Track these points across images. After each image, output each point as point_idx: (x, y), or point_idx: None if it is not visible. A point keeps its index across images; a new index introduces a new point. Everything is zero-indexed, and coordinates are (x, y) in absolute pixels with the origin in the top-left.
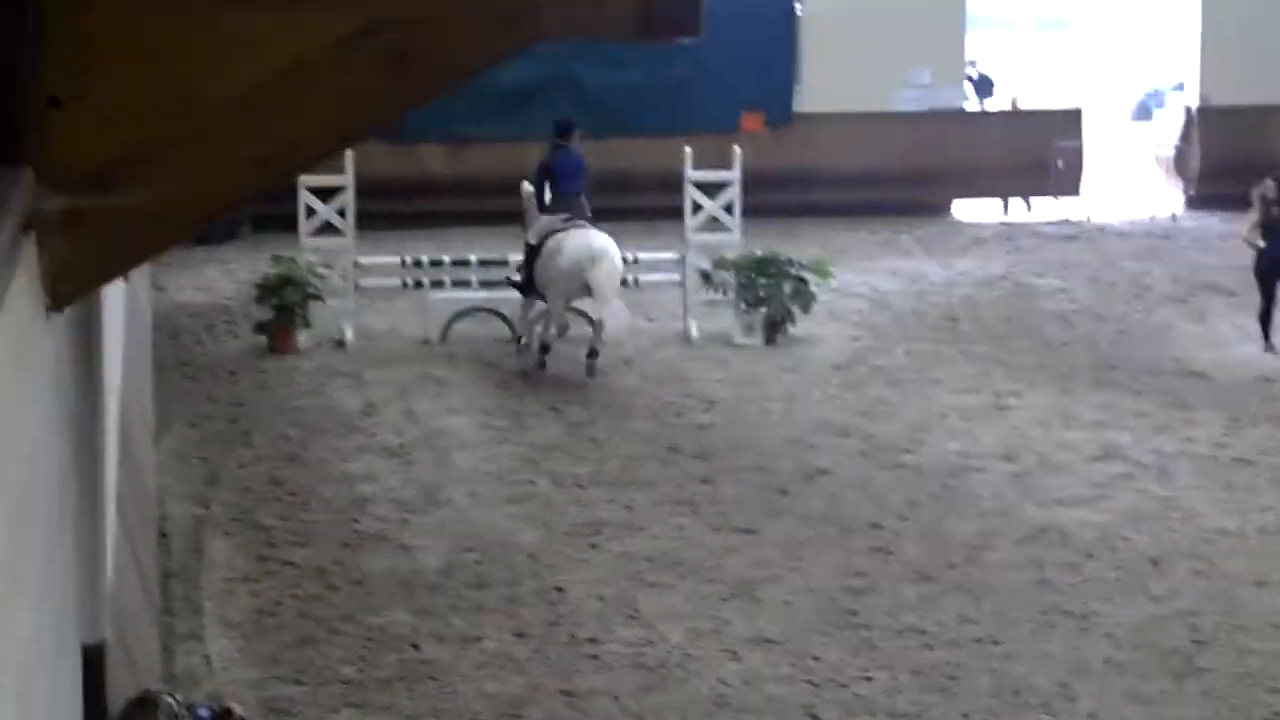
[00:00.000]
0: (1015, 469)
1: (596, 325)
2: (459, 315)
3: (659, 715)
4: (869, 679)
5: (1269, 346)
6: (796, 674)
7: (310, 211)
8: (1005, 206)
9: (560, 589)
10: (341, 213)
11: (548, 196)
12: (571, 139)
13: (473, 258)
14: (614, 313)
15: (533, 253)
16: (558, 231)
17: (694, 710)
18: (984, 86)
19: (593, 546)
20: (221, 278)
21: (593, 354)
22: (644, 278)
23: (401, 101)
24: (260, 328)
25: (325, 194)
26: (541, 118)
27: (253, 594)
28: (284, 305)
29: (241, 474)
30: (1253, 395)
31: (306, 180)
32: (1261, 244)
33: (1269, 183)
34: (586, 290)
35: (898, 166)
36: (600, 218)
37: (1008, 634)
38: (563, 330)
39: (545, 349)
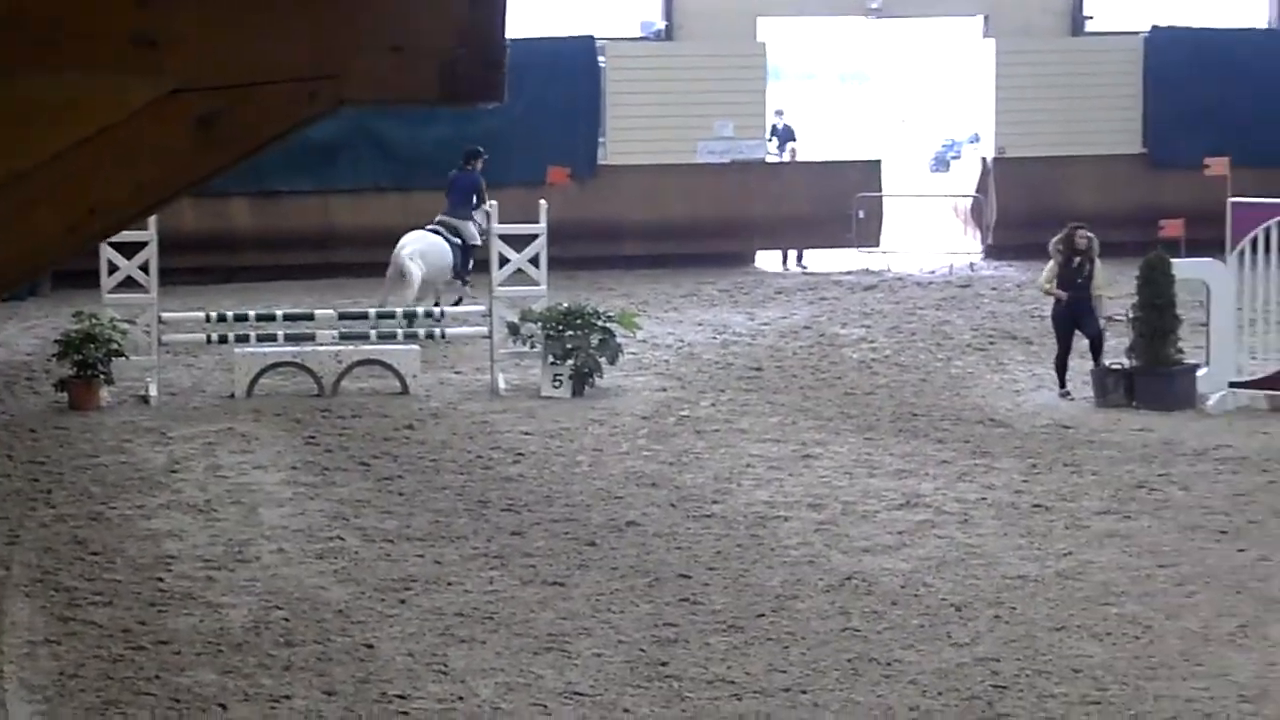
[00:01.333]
0: (821, 517)
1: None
2: (265, 370)
3: None
4: None
5: (1065, 394)
6: None
7: (112, 267)
8: (797, 257)
9: (370, 645)
10: (144, 267)
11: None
12: (472, 164)
13: (279, 312)
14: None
15: None
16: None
17: None
18: (786, 137)
19: (402, 602)
20: (21, 334)
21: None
22: (451, 330)
23: (211, 166)
24: (61, 385)
25: (128, 249)
26: (347, 171)
27: (55, 656)
28: (86, 361)
29: (43, 533)
30: (1050, 442)
31: None
32: (1063, 295)
33: (1079, 235)
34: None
35: (702, 218)
36: None
37: (815, 683)
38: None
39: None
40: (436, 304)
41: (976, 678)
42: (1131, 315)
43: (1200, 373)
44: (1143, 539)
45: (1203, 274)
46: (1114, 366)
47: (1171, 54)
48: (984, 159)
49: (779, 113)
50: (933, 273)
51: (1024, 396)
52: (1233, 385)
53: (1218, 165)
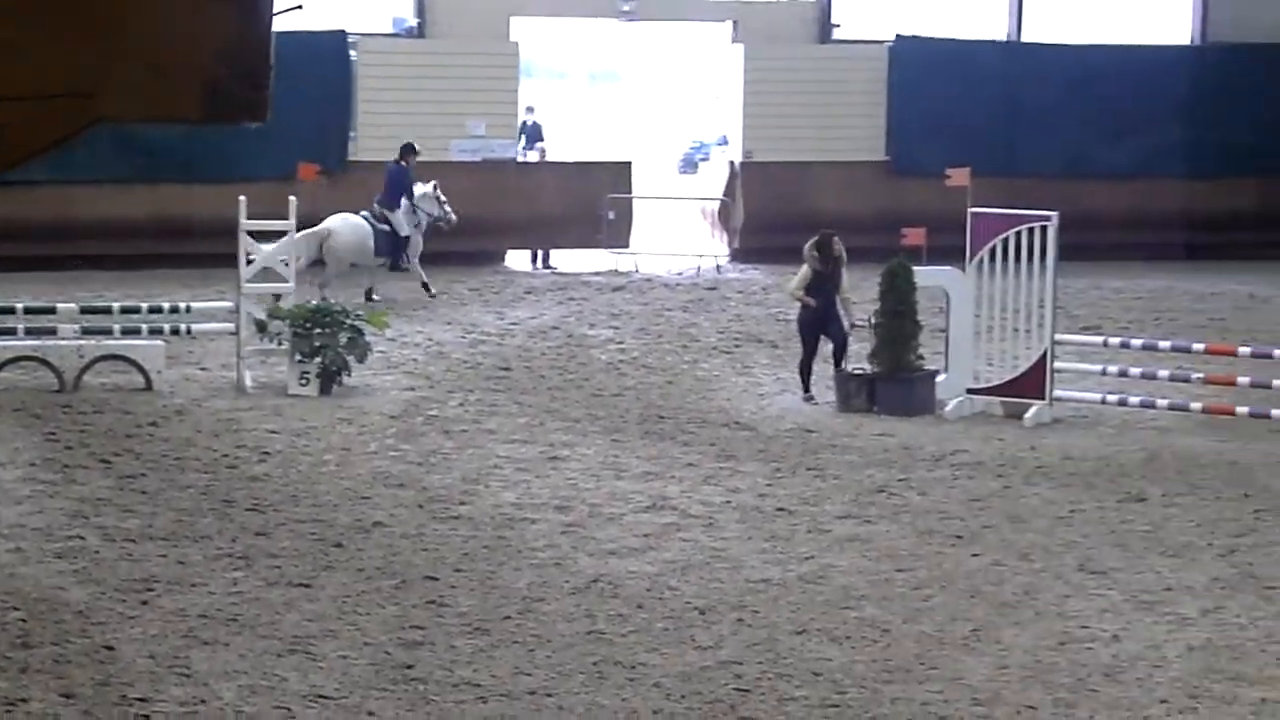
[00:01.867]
0: (568, 519)
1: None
2: (3, 364)
3: None
4: None
5: (809, 397)
6: None
7: None
8: (545, 257)
9: (110, 647)
10: None
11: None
12: (406, 159)
13: (19, 305)
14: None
15: None
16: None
17: None
18: (534, 135)
19: (144, 603)
20: None
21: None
22: (197, 327)
23: None
24: None
25: None
26: (87, 162)
27: None
28: None
29: None
30: (793, 446)
31: None
32: (812, 302)
33: (835, 242)
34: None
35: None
36: (157, 264)
37: (561, 686)
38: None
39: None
40: (370, 291)
41: (719, 681)
42: (874, 321)
43: (939, 379)
44: (882, 543)
45: (943, 282)
46: (856, 372)
47: (914, 64)
48: (732, 162)
49: (529, 110)
50: (680, 275)
51: (769, 400)
52: (970, 391)
53: (959, 176)
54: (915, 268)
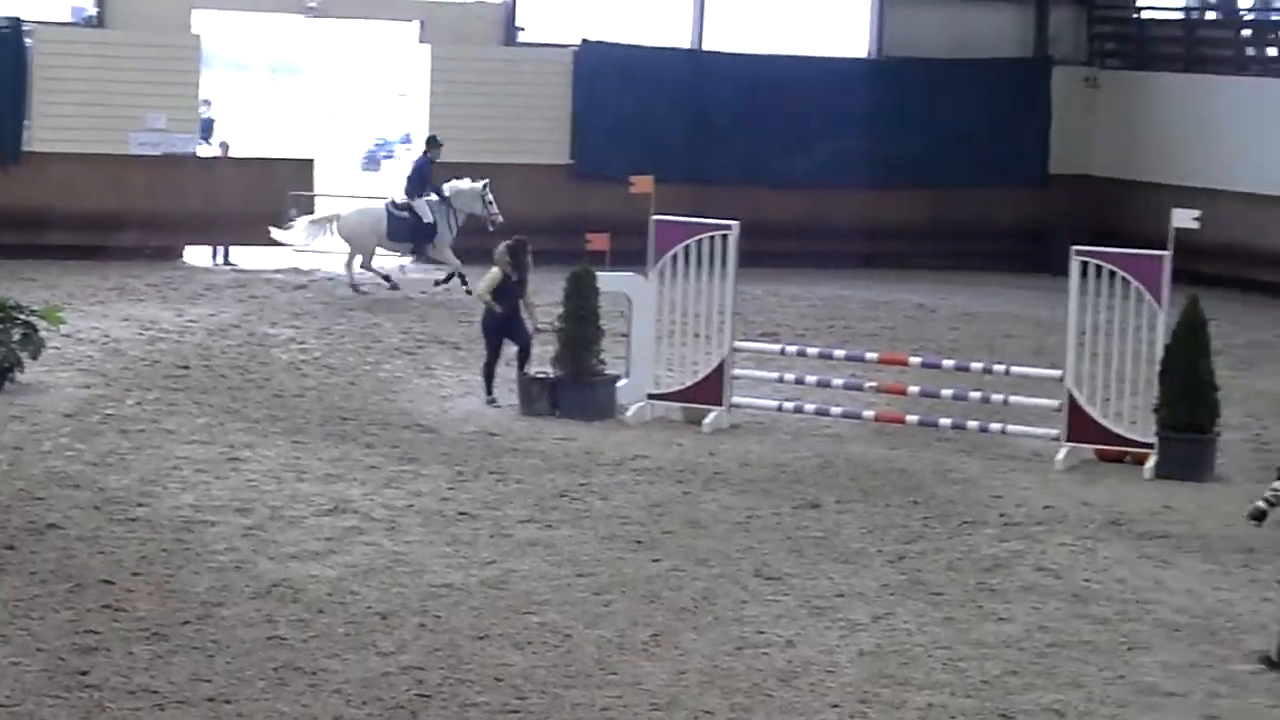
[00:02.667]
0: (249, 522)
1: None
2: None
3: None
4: None
5: (492, 400)
6: None
7: None
8: (225, 254)
9: None
10: None
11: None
12: (428, 150)
13: None
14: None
15: None
16: None
17: None
18: (207, 129)
19: None
20: None
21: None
22: None
23: None
24: None
25: None
26: None
27: None
28: None
29: None
30: (476, 449)
31: None
32: (498, 307)
33: (529, 250)
34: None
35: (132, 210)
36: None
37: (240, 692)
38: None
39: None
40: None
41: (401, 687)
42: (557, 325)
43: (620, 384)
44: (564, 548)
45: (625, 287)
46: (539, 375)
47: (599, 69)
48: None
49: (206, 103)
50: (362, 274)
51: (451, 402)
52: (651, 397)
53: (642, 183)
54: (599, 273)
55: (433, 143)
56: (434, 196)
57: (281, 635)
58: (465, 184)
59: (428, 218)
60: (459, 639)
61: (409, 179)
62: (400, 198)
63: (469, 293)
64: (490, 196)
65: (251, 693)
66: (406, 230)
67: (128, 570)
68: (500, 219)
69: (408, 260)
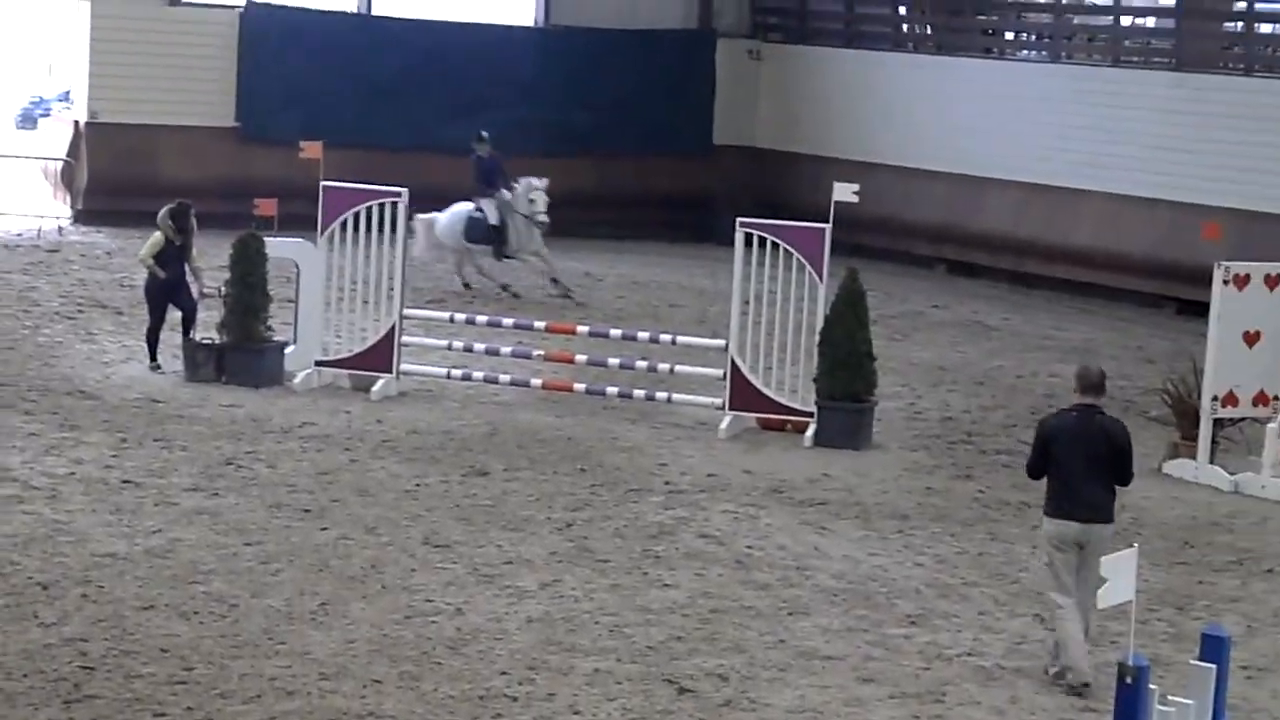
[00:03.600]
0: None
1: None
2: None
3: None
4: None
5: (156, 366)
6: None
7: None
8: None
9: None
10: None
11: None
12: (479, 147)
13: None
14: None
15: None
16: None
17: None
18: None
19: None
20: None
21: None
22: None
23: None
24: None
25: None
26: None
27: None
28: None
29: None
30: (140, 416)
31: None
32: (161, 273)
33: (191, 214)
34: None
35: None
36: None
37: None
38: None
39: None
40: (464, 281)
41: (64, 658)
42: (224, 291)
43: (288, 350)
44: (231, 516)
45: (293, 253)
46: (205, 341)
47: (266, 31)
48: (76, 122)
49: None
50: (19, 236)
51: (114, 368)
52: (319, 364)
53: (311, 148)
54: (266, 238)
55: (479, 139)
56: (505, 193)
57: None
58: (521, 184)
59: (494, 219)
60: (124, 609)
61: (474, 179)
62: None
63: (556, 283)
64: (536, 197)
65: None
66: (481, 231)
67: None
68: (546, 222)
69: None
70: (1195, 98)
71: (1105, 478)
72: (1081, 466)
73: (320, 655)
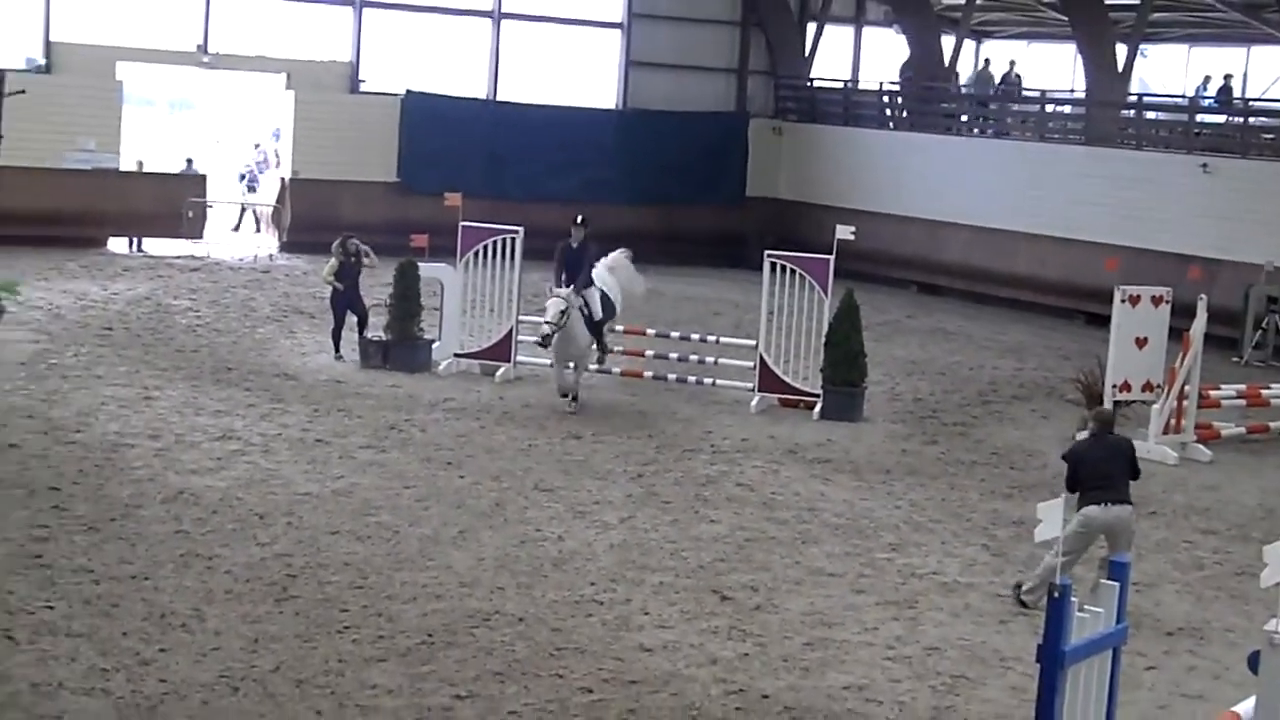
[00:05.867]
0: (159, 445)
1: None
2: None
3: None
4: (50, 607)
5: (338, 357)
6: None
7: None
8: (138, 244)
9: None
10: None
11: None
12: (575, 231)
13: None
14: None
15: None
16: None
17: None
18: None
19: None
20: None
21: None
22: None
23: None
24: None
25: None
26: None
27: None
28: None
29: None
30: (328, 392)
31: None
32: (339, 284)
33: (349, 241)
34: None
35: (68, 210)
36: None
37: (155, 572)
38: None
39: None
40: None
41: (275, 569)
42: (389, 302)
43: (435, 345)
44: (394, 466)
45: (439, 275)
46: (374, 338)
47: (419, 111)
48: (283, 178)
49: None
50: (242, 260)
51: (309, 358)
52: (457, 355)
53: (453, 199)
54: (420, 263)
55: (577, 224)
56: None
57: (185, 530)
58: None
59: (597, 313)
60: (317, 534)
61: (562, 266)
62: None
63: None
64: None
65: (164, 572)
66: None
67: (69, 480)
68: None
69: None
70: (1100, 165)
71: (1124, 477)
72: (1102, 475)
73: (459, 569)
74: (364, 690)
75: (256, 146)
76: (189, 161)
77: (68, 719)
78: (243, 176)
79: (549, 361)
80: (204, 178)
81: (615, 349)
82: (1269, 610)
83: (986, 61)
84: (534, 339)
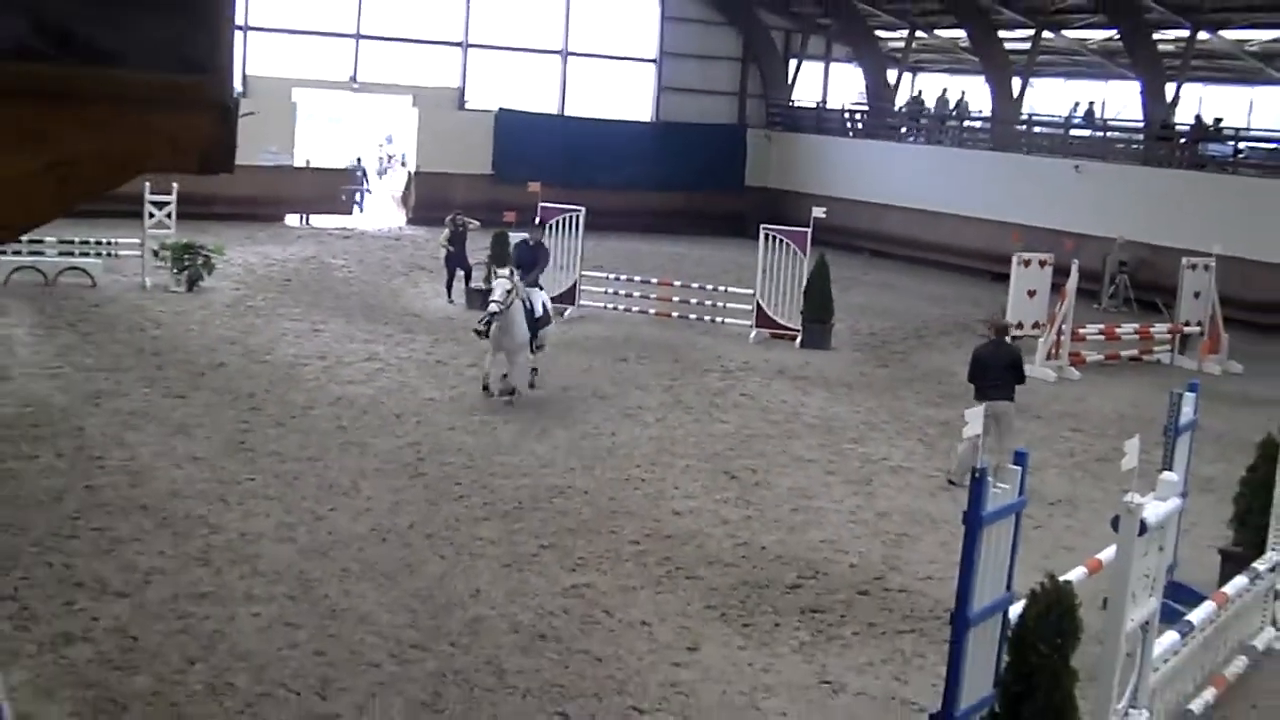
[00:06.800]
0: (325, 364)
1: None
2: (14, 270)
3: (140, 502)
4: (252, 479)
5: (450, 301)
6: (212, 477)
7: None
8: (307, 219)
9: (81, 429)
10: None
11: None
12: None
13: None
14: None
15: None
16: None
17: (153, 500)
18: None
19: (97, 404)
20: None
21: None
22: (120, 252)
23: (59, 208)
24: None
25: None
26: None
27: None
28: None
29: None
30: (444, 327)
31: None
32: (451, 247)
33: (459, 217)
34: None
35: (259, 195)
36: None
37: (324, 455)
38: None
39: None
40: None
41: (408, 454)
42: (488, 261)
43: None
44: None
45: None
46: (476, 288)
47: (509, 123)
48: (409, 172)
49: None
50: (381, 231)
51: (429, 302)
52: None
53: (534, 187)
54: (510, 234)
55: (535, 224)
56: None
57: (344, 425)
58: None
59: (538, 309)
60: (438, 429)
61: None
62: None
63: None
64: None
65: (331, 455)
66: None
67: (262, 389)
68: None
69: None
70: (1002, 165)
71: (1009, 378)
72: (994, 374)
73: (540, 454)
74: (474, 541)
75: (380, 146)
76: (358, 160)
77: (265, 558)
78: (378, 171)
79: (487, 350)
80: (358, 170)
81: (653, 295)
82: (1123, 486)
83: (944, 89)
84: (475, 327)
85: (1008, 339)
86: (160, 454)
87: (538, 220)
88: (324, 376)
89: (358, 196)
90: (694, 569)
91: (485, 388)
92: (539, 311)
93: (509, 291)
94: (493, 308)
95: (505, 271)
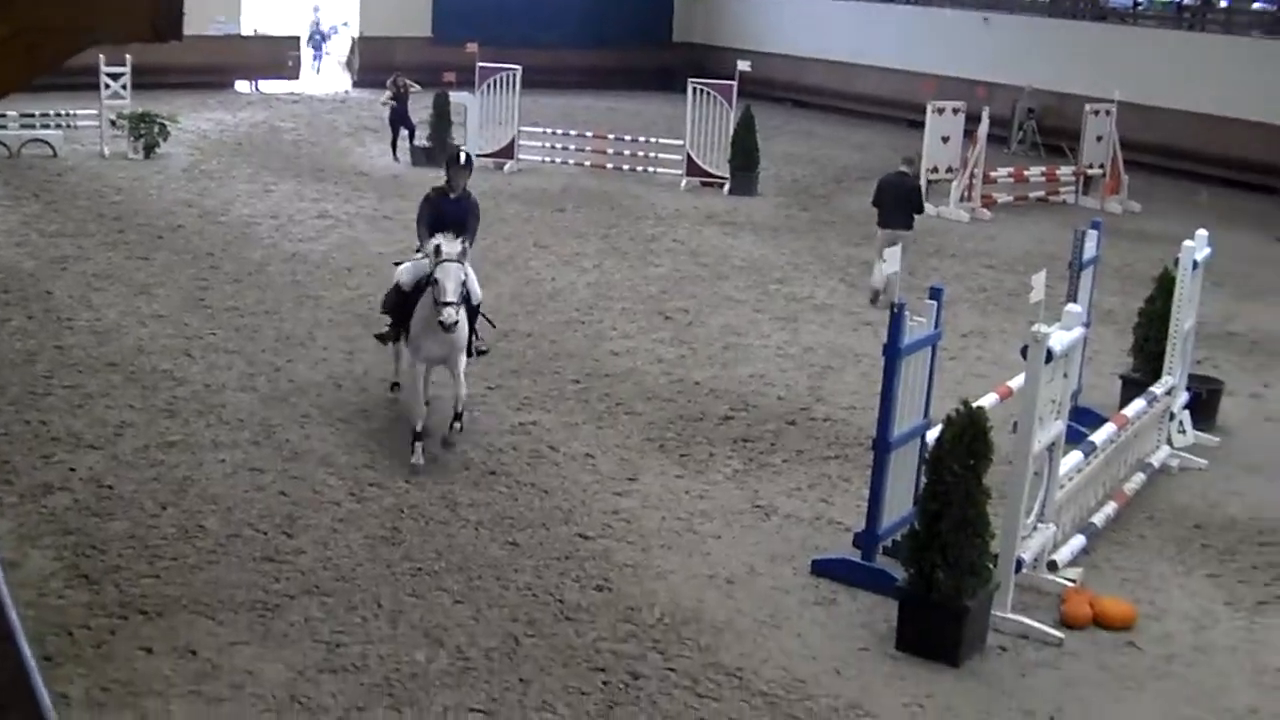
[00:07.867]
0: (278, 223)
1: None
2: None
3: (108, 359)
4: (214, 334)
5: (396, 159)
6: (175, 333)
7: None
8: (256, 85)
9: (49, 293)
10: None
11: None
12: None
13: None
14: None
15: None
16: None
17: (121, 357)
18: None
19: (64, 269)
20: None
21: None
22: (79, 123)
23: (23, 75)
24: None
25: None
26: None
27: None
28: None
29: None
30: (389, 183)
31: None
32: (394, 103)
33: (400, 78)
34: None
35: (209, 63)
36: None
37: (280, 308)
38: None
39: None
40: None
41: (360, 305)
42: (429, 120)
43: (462, 148)
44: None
45: (464, 100)
46: (420, 145)
47: None
48: (353, 36)
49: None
50: (328, 95)
51: (375, 160)
52: (479, 155)
53: (471, 47)
54: (450, 94)
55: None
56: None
57: (299, 280)
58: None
59: (477, 295)
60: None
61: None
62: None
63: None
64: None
65: (286, 308)
66: None
67: (219, 248)
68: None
69: None
70: (919, 19)
71: (906, 207)
72: (891, 200)
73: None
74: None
75: (315, 10)
76: (315, 22)
77: (229, 407)
78: (312, 36)
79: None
80: (297, 39)
81: (588, 148)
82: (1031, 318)
83: None
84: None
85: (908, 170)
86: (125, 313)
87: (476, 80)
88: (277, 235)
89: (315, 56)
90: (633, 405)
91: (417, 436)
92: (478, 296)
93: (463, 283)
94: (449, 314)
95: (454, 249)
